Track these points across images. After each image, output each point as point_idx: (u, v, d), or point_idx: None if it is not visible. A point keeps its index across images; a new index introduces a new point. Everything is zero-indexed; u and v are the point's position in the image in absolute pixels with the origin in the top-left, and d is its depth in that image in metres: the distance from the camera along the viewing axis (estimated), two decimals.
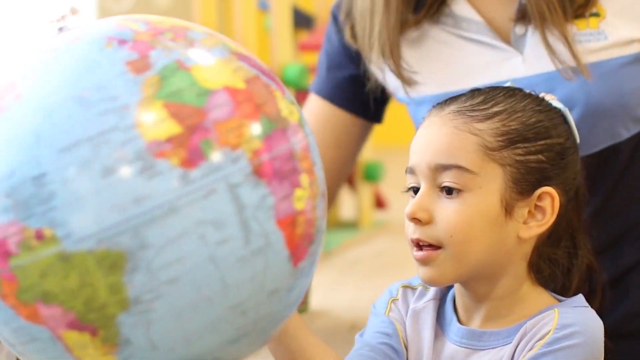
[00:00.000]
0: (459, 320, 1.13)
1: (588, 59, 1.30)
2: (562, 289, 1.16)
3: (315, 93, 1.54)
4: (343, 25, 1.47)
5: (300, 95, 2.92)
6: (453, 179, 1.08)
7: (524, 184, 1.09)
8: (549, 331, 1.05)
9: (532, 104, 1.14)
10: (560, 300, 1.12)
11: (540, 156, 1.10)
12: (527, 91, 1.16)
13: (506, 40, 1.34)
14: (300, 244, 0.96)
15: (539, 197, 1.10)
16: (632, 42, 1.32)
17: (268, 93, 0.96)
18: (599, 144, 1.31)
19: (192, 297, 0.92)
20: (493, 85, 1.18)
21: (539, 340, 1.05)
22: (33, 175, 0.90)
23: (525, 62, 1.33)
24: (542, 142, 1.11)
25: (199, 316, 0.92)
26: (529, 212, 1.10)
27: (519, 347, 1.07)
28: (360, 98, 1.49)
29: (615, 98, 1.30)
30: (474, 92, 1.15)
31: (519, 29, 1.33)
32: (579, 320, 1.06)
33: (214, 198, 0.90)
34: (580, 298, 1.11)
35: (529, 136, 1.10)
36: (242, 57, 0.97)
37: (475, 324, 1.12)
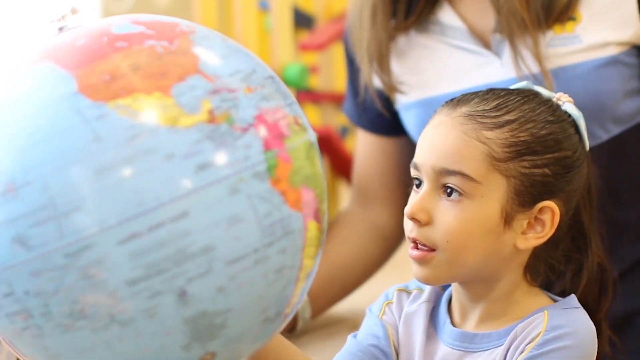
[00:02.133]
0: (452, 322, 1.13)
1: (562, 61, 1.33)
2: (571, 288, 1.16)
3: (355, 124, 1.67)
4: (351, 45, 1.51)
5: (301, 95, 2.92)
6: (456, 183, 1.08)
7: (526, 196, 1.09)
8: (539, 333, 1.05)
9: (546, 114, 1.12)
10: (555, 301, 1.12)
11: (545, 169, 1.09)
12: (546, 96, 1.15)
13: (487, 46, 1.37)
14: None
15: (540, 210, 1.09)
16: (607, 45, 1.35)
17: None
18: None
19: None
20: (509, 87, 1.17)
21: (529, 343, 1.05)
22: (267, 75, 1.01)
23: (504, 66, 1.35)
24: (550, 155, 1.10)
25: None
26: (529, 223, 1.10)
27: (510, 350, 1.07)
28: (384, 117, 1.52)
29: (591, 99, 1.32)
30: (489, 93, 1.13)
31: (499, 36, 1.36)
32: (569, 322, 1.06)
33: None
34: (571, 299, 1.11)
35: (537, 149, 1.09)
36: None
37: (469, 325, 1.12)
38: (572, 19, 1.35)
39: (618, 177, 1.39)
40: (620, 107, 1.36)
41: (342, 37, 1.62)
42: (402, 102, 1.48)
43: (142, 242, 0.91)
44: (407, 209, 1.11)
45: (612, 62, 1.34)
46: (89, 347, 0.94)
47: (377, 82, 1.48)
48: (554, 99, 1.15)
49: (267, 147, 0.96)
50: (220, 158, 0.94)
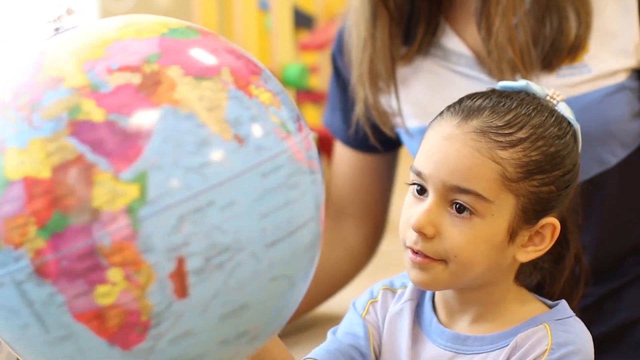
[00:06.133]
0: (439, 321, 1.13)
1: (571, 92, 1.31)
2: (550, 279, 1.16)
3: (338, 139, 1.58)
4: (344, 65, 1.48)
5: (301, 95, 2.93)
6: (468, 202, 1.06)
7: (531, 213, 1.08)
8: (545, 351, 1.05)
9: (553, 127, 1.11)
10: (546, 304, 1.12)
11: (552, 187, 1.09)
12: (542, 96, 1.14)
13: (493, 72, 1.33)
14: (123, 332, 0.92)
15: (542, 226, 1.09)
16: (615, 73, 1.33)
17: (82, 179, 0.89)
18: (588, 172, 1.31)
19: None
20: (516, 91, 1.15)
21: None
22: None
23: None
24: (556, 172, 1.09)
25: None
26: (529, 237, 1.09)
27: None
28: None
29: (601, 126, 1.31)
30: (499, 104, 1.11)
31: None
32: (574, 338, 1.06)
33: (2, 291, 0.91)
34: (563, 306, 1.10)
35: (546, 168, 1.09)
36: (77, 130, 0.90)
37: (459, 327, 1.11)
38: (581, 49, 1.34)
39: (629, 197, 1.38)
40: (626, 131, 1.35)
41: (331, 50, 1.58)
42: (407, 126, 1.43)
43: None
44: (414, 222, 1.08)
45: (620, 89, 1.33)
46: None
47: (384, 103, 1.43)
48: (549, 98, 1.14)
49: None
50: None
